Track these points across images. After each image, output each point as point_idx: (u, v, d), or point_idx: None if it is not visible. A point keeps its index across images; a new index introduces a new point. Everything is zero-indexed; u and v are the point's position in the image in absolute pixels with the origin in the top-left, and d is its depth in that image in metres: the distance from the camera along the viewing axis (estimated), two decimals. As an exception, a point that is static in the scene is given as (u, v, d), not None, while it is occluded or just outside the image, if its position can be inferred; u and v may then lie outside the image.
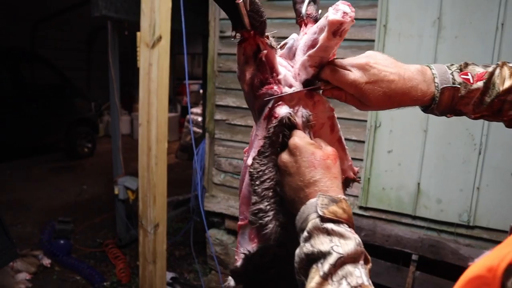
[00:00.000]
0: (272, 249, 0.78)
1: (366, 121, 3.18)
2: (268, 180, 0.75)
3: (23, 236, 4.81)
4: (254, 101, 0.79)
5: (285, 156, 0.74)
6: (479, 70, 0.82)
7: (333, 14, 0.71)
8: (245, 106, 3.59)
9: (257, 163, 0.76)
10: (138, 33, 2.95)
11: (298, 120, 0.77)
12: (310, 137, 0.78)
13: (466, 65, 0.82)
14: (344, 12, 0.71)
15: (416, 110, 3.00)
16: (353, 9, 0.72)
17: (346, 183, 0.90)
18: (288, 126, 0.75)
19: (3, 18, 8.81)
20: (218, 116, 3.82)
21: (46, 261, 4.27)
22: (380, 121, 3.14)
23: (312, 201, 0.66)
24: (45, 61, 8.16)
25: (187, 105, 3.70)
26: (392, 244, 3.08)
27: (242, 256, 0.81)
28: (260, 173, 0.75)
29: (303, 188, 0.69)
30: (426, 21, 2.98)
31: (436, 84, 0.80)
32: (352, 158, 2.94)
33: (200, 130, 7.21)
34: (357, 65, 0.78)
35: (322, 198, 0.65)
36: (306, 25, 0.87)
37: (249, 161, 0.79)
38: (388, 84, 0.77)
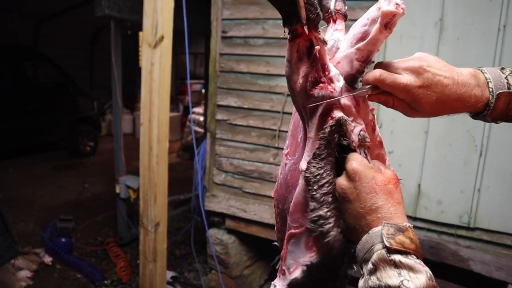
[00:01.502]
0: (337, 258, 0.75)
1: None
2: (326, 185, 0.71)
3: (25, 234, 4.83)
4: (306, 101, 0.74)
5: (343, 182, 0.70)
6: None
7: (387, 5, 0.68)
8: (247, 106, 3.60)
9: (314, 166, 0.71)
10: (140, 33, 2.97)
11: (355, 138, 0.73)
12: (367, 157, 0.74)
13: None
14: (397, 3, 0.68)
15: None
16: (403, 1, 0.70)
17: None
18: (343, 127, 0.72)
19: (7, 17, 8.84)
20: (219, 116, 3.83)
21: (48, 259, 4.29)
22: (381, 122, 3.14)
23: (376, 230, 0.62)
24: (48, 60, 8.18)
25: (189, 104, 3.69)
26: (392, 245, 3.07)
27: (304, 267, 0.77)
28: (318, 177, 0.71)
29: (365, 216, 0.65)
30: (428, 22, 2.98)
31: (491, 89, 0.74)
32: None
33: (202, 130, 7.22)
34: (409, 68, 0.72)
35: (388, 227, 0.61)
36: (335, 21, 0.84)
37: (303, 166, 0.75)
38: (442, 89, 0.72)
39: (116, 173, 4.66)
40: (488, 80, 0.75)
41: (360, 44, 0.73)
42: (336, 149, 0.73)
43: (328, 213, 0.71)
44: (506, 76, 0.75)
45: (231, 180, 3.85)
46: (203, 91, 8.75)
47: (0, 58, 7.39)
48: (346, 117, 0.72)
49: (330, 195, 0.71)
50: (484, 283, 2.86)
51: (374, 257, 0.60)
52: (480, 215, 2.97)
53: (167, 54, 2.84)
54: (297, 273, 0.78)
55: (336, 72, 0.74)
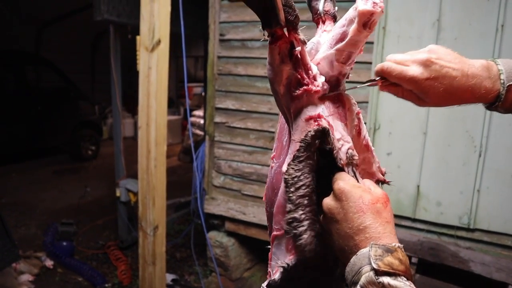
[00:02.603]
0: (313, 261, 0.74)
1: (365, 123, 3.17)
2: (303, 187, 0.70)
3: (26, 238, 4.85)
4: (290, 103, 0.74)
5: (330, 202, 0.68)
6: None
7: (364, 4, 0.68)
8: (245, 108, 3.60)
9: (292, 168, 0.71)
10: (137, 37, 2.98)
11: (342, 157, 0.73)
12: (355, 176, 0.74)
13: None
14: (374, 2, 0.68)
15: (416, 112, 2.96)
16: (382, 0, 0.70)
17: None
18: (326, 137, 0.71)
19: (9, 22, 8.89)
20: (217, 119, 3.83)
21: (49, 263, 4.30)
22: (380, 123, 3.13)
23: (363, 251, 0.60)
24: (50, 65, 8.22)
25: (187, 107, 3.69)
26: (392, 246, 3.06)
27: (281, 269, 0.76)
28: (295, 179, 0.70)
29: (353, 236, 0.63)
30: (425, 23, 2.97)
31: (502, 81, 0.74)
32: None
33: (203, 133, 7.23)
34: (418, 60, 0.73)
35: (376, 248, 0.59)
36: (324, 22, 0.84)
37: (285, 168, 0.74)
38: (450, 81, 0.73)
39: (117, 177, 4.68)
40: (501, 72, 0.75)
41: (339, 45, 0.73)
42: (316, 154, 0.72)
43: (303, 216, 0.70)
44: None
45: (230, 182, 3.85)
46: (203, 94, 8.77)
47: (2, 63, 7.44)
48: (328, 127, 0.72)
49: (306, 198, 0.70)
50: (484, 284, 2.85)
51: (363, 279, 0.58)
52: (480, 216, 2.95)
53: (164, 57, 2.85)
54: (276, 275, 0.77)
55: (317, 70, 0.74)
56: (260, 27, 0.70)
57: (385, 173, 0.87)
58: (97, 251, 4.73)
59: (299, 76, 0.71)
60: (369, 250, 0.59)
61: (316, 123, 0.72)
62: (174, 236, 5.01)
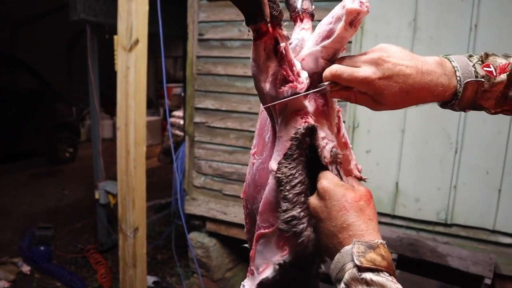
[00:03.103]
0: (310, 256, 0.74)
1: (344, 121, 3.20)
2: (299, 184, 0.71)
3: (2, 243, 4.73)
4: (275, 99, 0.74)
5: (314, 201, 0.69)
6: (501, 61, 0.74)
7: (351, 3, 0.68)
8: (224, 108, 3.60)
9: (285, 167, 0.70)
10: (115, 37, 2.94)
11: (327, 155, 0.73)
12: (339, 174, 0.74)
13: (487, 56, 0.75)
14: (361, 2, 0.68)
15: (394, 111, 3.02)
16: None
17: None
18: (315, 133, 0.71)
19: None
20: (197, 119, 3.81)
21: (26, 268, 4.20)
22: (358, 121, 3.17)
23: (347, 248, 0.61)
24: (25, 66, 8.04)
25: (166, 108, 3.66)
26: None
27: (276, 266, 0.76)
28: (290, 177, 0.70)
29: (337, 234, 0.64)
30: (402, 22, 3.02)
31: (458, 78, 0.72)
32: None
33: (183, 133, 7.18)
34: (368, 60, 0.70)
35: (358, 245, 0.60)
36: (302, 20, 0.84)
37: (274, 166, 0.73)
38: (405, 79, 0.69)
39: (95, 179, 4.61)
40: (456, 69, 0.73)
41: (325, 42, 0.73)
42: (307, 150, 0.72)
43: (302, 213, 0.71)
44: (474, 64, 0.73)
45: (210, 182, 3.84)
46: (183, 94, 8.72)
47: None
48: (316, 124, 0.72)
49: (303, 195, 0.71)
50: (462, 278, 2.91)
51: (346, 276, 0.59)
52: (457, 211, 3.01)
53: (143, 57, 2.82)
54: (268, 272, 0.77)
55: (300, 66, 0.75)
56: (239, 28, 0.69)
57: (361, 170, 0.88)
58: (76, 255, 4.65)
59: (284, 72, 0.71)
60: (352, 247, 0.60)
61: (304, 120, 0.72)
62: (155, 238, 4.97)
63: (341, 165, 0.76)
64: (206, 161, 3.83)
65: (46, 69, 9.21)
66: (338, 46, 0.73)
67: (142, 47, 2.79)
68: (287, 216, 0.71)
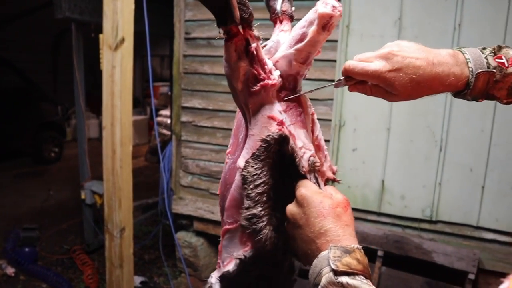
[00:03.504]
0: (269, 253, 0.76)
1: (330, 120, 3.23)
2: (262, 185, 0.73)
3: (-14, 245, 4.66)
4: (248, 98, 0.76)
5: (293, 209, 0.71)
6: None
7: (323, 7, 0.70)
8: (211, 107, 3.59)
9: (251, 166, 0.73)
10: (100, 35, 2.91)
11: (304, 164, 0.75)
12: (317, 181, 0.77)
13: (500, 48, 0.78)
14: (334, 6, 0.71)
15: (380, 108, 3.03)
16: (341, 4, 0.72)
17: (326, 183, 0.89)
18: (286, 142, 0.73)
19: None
20: (184, 118, 3.80)
21: (10, 270, 4.14)
22: (345, 120, 3.19)
23: (323, 253, 0.63)
24: (9, 65, 7.91)
25: (152, 107, 3.65)
26: (358, 241, 3.12)
27: (237, 260, 0.79)
28: (255, 176, 0.72)
29: (314, 240, 0.66)
30: (387, 22, 3.05)
31: (470, 69, 0.75)
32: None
33: (170, 133, 7.15)
34: (380, 55, 0.74)
35: (334, 250, 0.62)
36: (281, 22, 0.86)
37: (241, 163, 0.75)
38: (415, 70, 0.73)
39: (81, 179, 4.56)
40: (468, 60, 0.76)
41: (298, 45, 0.75)
42: (275, 154, 0.74)
43: (262, 212, 0.72)
44: (486, 56, 0.76)
45: (197, 182, 3.83)
46: (170, 93, 8.68)
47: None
48: (289, 135, 0.74)
49: (265, 195, 0.73)
50: (447, 274, 2.95)
51: (323, 280, 0.60)
52: (442, 208, 3.06)
53: (129, 56, 2.80)
54: (230, 266, 0.80)
55: (272, 65, 0.76)
56: (216, 25, 0.70)
57: (336, 171, 0.90)
58: (62, 256, 4.60)
59: (255, 72, 0.73)
60: (329, 252, 0.61)
61: (279, 128, 0.74)
62: (142, 238, 4.94)
63: (319, 173, 0.78)
64: (193, 160, 3.82)
65: (31, 68, 9.09)
66: (311, 49, 0.75)
67: (128, 46, 2.77)
68: (248, 213, 0.73)
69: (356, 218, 3.23)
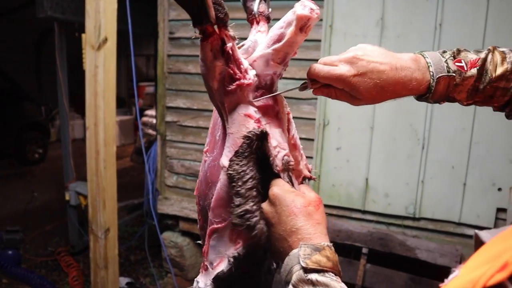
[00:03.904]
0: (263, 248, 0.76)
1: (315, 119, 3.25)
2: (250, 180, 0.73)
3: (-32, 248, 4.58)
4: (224, 97, 0.77)
5: (266, 207, 0.72)
6: (472, 56, 0.79)
7: (301, 9, 0.71)
8: (196, 107, 3.59)
9: (237, 164, 0.73)
10: (83, 35, 2.89)
11: (278, 163, 0.76)
12: (292, 181, 0.77)
13: (459, 51, 0.80)
14: (311, 8, 0.72)
15: (363, 107, 3.08)
16: (318, 6, 0.73)
17: (302, 181, 0.89)
18: (266, 137, 0.74)
19: None
20: (169, 118, 3.79)
21: (-7, 273, 4.09)
22: (329, 119, 3.21)
23: (294, 251, 0.64)
24: (-11, 64, 7.79)
25: (136, 107, 3.63)
26: (343, 238, 3.16)
27: (231, 259, 0.79)
28: (242, 173, 0.73)
29: (286, 238, 0.67)
30: (369, 21, 3.08)
31: (431, 73, 0.77)
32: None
33: (155, 133, 7.11)
34: (344, 59, 0.75)
35: (304, 248, 0.63)
36: (258, 23, 0.86)
37: (225, 162, 0.76)
38: (379, 75, 0.74)
39: (66, 180, 4.52)
40: (429, 64, 0.77)
41: (276, 45, 0.76)
42: (258, 153, 0.75)
43: (254, 207, 0.73)
44: (446, 60, 0.78)
45: (183, 182, 3.82)
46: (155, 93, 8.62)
47: None
48: (268, 131, 0.75)
49: (254, 190, 0.73)
50: (430, 270, 3.00)
51: (294, 278, 0.61)
52: (425, 205, 3.10)
53: (112, 56, 2.78)
54: (222, 266, 0.79)
55: (248, 64, 0.77)
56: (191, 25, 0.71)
57: (311, 170, 0.90)
58: (47, 258, 4.54)
59: (231, 71, 0.74)
60: (299, 250, 0.63)
61: (257, 125, 0.75)
62: (128, 239, 4.91)
63: (293, 172, 0.79)
64: (178, 160, 3.81)
65: (13, 67, 8.94)
66: (289, 49, 0.76)
67: (111, 46, 2.75)
68: (240, 210, 0.73)
69: (341, 216, 3.27)
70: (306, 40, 3.15)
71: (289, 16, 0.74)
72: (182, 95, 3.71)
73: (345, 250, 3.19)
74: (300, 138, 3.07)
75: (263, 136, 0.74)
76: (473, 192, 2.98)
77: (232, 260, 0.78)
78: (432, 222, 3.11)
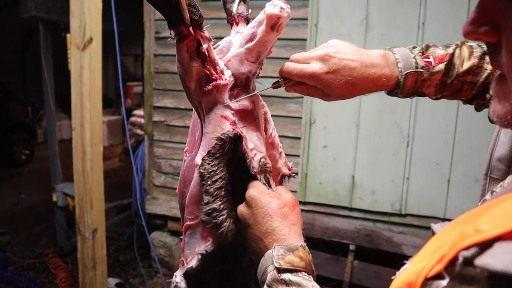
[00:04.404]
0: (230, 246, 0.78)
1: (301, 118, 3.27)
2: (219, 180, 0.75)
3: (-47, 252, 4.53)
4: (201, 98, 0.78)
5: (242, 209, 0.74)
6: (440, 52, 0.81)
7: (271, 8, 0.73)
8: (183, 106, 3.59)
9: (208, 163, 0.75)
10: (68, 35, 2.88)
11: (255, 165, 0.78)
12: (269, 182, 0.79)
13: (428, 47, 0.81)
14: (281, 7, 0.73)
15: (349, 106, 3.10)
16: (289, 6, 0.74)
17: (282, 179, 0.91)
18: (240, 140, 0.76)
19: None
20: (156, 118, 3.78)
21: (-21, 276, 4.04)
22: (315, 117, 3.24)
23: (269, 252, 0.66)
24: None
25: (123, 107, 3.62)
26: (330, 236, 3.19)
27: (199, 256, 0.80)
28: (212, 173, 0.75)
29: (262, 239, 0.68)
30: (354, 21, 3.11)
31: (400, 69, 0.79)
32: (289, 155, 3.02)
33: (144, 132, 7.08)
34: (316, 56, 0.77)
35: (278, 249, 0.64)
36: (237, 24, 0.88)
37: (198, 161, 0.77)
38: (350, 72, 0.76)
39: (53, 181, 4.49)
40: (398, 61, 0.79)
41: (249, 45, 0.77)
42: (230, 151, 0.76)
43: (221, 206, 0.75)
44: (415, 56, 0.80)
45: (171, 181, 3.82)
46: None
47: None
48: (242, 135, 0.77)
49: (223, 189, 0.75)
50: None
51: (268, 278, 0.63)
52: (410, 202, 3.14)
53: (97, 56, 2.77)
54: (193, 262, 0.81)
55: (224, 65, 0.79)
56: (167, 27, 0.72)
57: (291, 167, 0.92)
58: (34, 260, 4.51)
59: (207, 72, 0.75)
60: (273, 251, 0.65)
61: (233, 127, 0.76)
62: (117, 239, 4.89)
63: (270, 174, 0.80)
64: (166, 160, 3.81)
65: (-2, 68, 8.85)
66: (261, 48, 0.78)
67: (96, 46, 2.74)
68: (208, 208, 0.75)
69: (328, 214, 3.29)
70: (291, 39, 3.17)
71: (260, 15, 0.76)
72: (169, 95, 3.71)
73: (333, 247, 3.22)
74: (287, 137, 3.10)
75: (236, 139, 0.76)
76: (457, 188, 3.02)
77: (200, 257, 0.80)
78: (417, 218, 3.15)
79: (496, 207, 0.35)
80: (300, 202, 3.37)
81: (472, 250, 0.31)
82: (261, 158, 0.79)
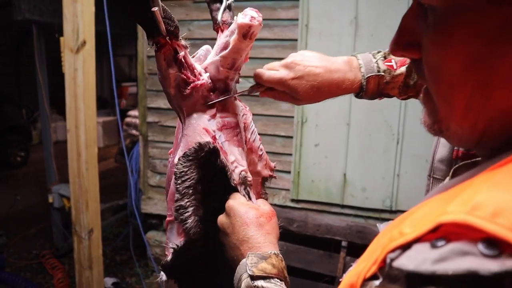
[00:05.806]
0: (199, 242, 0.83)
1: (293, 117, 3.32)
2: (189, 180, 0.79)
3: (-51, 254, 4.54)
4: (182, 101, 0.83)
5: (222, 218, 0.78)
6: None
7: (242, 18, 0.77)
8: (177, 107, 3.62)
9: (181, 164, 0.80)
10: (61, 38, 2.91)
11: (236, 178, 0.83)
12: (249, 194, 0.84)
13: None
14: (252, 17, 0.77)
15: (340, 105, 3.16)
16: (260, 14, 0.79)
17: (263, 182, 0.96)
18: (217, 154, 0.81)
19: None
20: (150, 119, 3.83)
21: (-24, 278, 4.07)
22: (307, 116, 3.29)
23: (243, 261, 0.69)
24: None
25: (116, 108, 3.65)
26: (323, 232, 3.25)
27: (171, 250, 0.85)
28: (183, 173, 0.79)
29: (239, 247, 0.72)
30: (344, 21, 3.16)
31: (362, 74, 0.85)
32: (282, 153, 3.08)
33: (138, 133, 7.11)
34: (284, 64, 0.85)
35: (252, 257, 0.68)
36: (222, 31, 0.91)
37: (175, 160, 0.82)
38: (314, 77, 0.83)
39: (49, 183, 4.52)
40: (361, 65, 0.86)
41: (223, 52, 0.82)
42: (203, 158, 0.81)
43: (188, 203, 0.80)
44: (377, 61, 0.86)
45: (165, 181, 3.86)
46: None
47: None
48: (219, 149, 0.82)
49: (191, 188, 0.80)
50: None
51: (242, 285, 0.67)
52: (401, 198, 3.20)
53: (91, 59, 2.80)
54: (169, 257, 0.86)
55: (201, 68, 0.84)
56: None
57: (274, 167, 0.97)
58: (31, 262, 4.54)
59: (184, 76, 0.81)
60: (247, 259, 0.68)
61: (213, 141, 0.82)
62: (113, 240, 4.93)
63: (251, 186, 0.85)
64: (160, 160, 3.85)
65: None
66: (236, 55, 0.82)
67: (90, 49, 2.78)
68: (176, 205, 0.81)
69: (321, 211, 3.35)
70: (282, 40, 3.21)
71: (233, 24, 0.81)
72: (162, 96, 3.75)
73: (325, 244, 3.27)
74: (279, 136, 3.15)
75: (212, 153, 0.81)
76: (446, 184, 3.08)
77: (172, 251, 0.85)
78: (408, 214, 3.20)
79: (418, 210, 0.38)
80: (293, 200, 3.42)
81: (397, 252, 0.34)
82: (241, 171, 0.84)
